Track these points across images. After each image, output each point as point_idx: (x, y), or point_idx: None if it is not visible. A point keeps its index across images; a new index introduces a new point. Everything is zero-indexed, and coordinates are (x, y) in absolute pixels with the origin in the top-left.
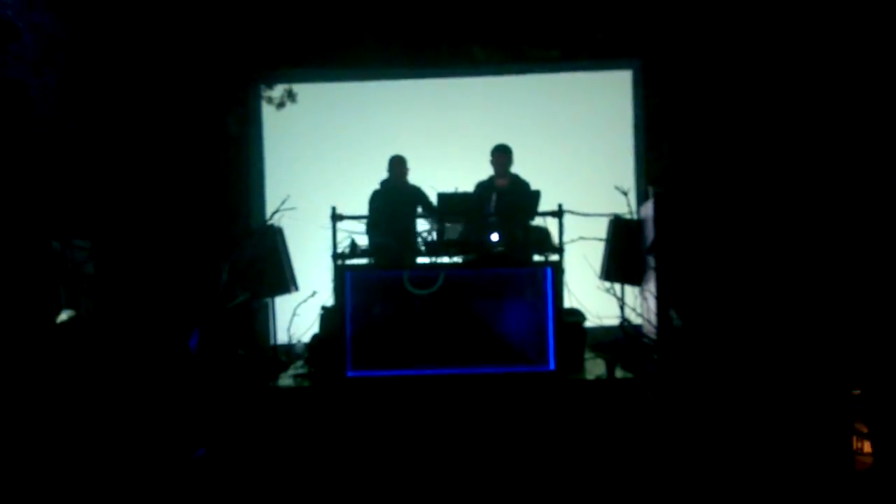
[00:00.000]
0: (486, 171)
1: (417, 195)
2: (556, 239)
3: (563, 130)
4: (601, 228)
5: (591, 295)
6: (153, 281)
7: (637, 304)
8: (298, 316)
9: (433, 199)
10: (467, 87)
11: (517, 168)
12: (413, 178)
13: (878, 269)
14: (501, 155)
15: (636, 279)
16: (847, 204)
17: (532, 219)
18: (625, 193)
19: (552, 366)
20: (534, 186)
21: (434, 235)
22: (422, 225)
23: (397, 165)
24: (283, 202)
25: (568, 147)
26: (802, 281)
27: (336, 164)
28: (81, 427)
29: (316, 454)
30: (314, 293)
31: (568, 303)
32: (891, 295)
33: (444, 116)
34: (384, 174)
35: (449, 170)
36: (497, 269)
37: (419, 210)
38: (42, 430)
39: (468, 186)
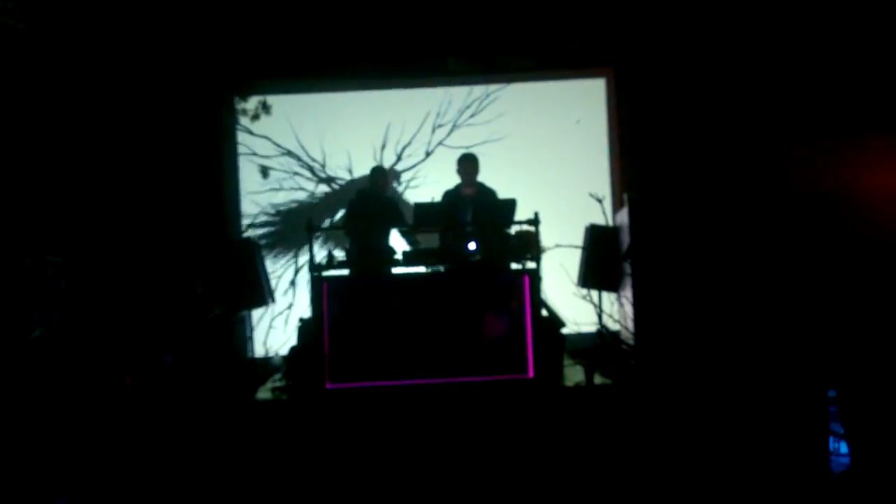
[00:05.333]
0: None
1: (391, 208)
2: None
3: (539, 139)
4: (578, 236)
5: (568, 302)
6: (128, 296)
7: (614, 311)
8: (275, 329)
9: (410, 210)
10: (442, 97)
11: (496, 176)
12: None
13: (852, 272)
14: (468, 164)
15: (613, 285)
16: (822, 208)
17: (508, 227)
18: (600, 201)
19: (531, 373)
20: (510, 195)
21: (407, 249)
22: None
23: (378, 176)
24: (258, 214)
25: (543, 155)
26: (778, 284)
27: (311, 175)
28: (53, 442)
29: (295, 468)
30: (290, 305)
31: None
32: (865, 296)
33: (418, 127)
34: (360, 185)
35: (424, 179)
36: (475, 277)
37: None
38: (14, 445)
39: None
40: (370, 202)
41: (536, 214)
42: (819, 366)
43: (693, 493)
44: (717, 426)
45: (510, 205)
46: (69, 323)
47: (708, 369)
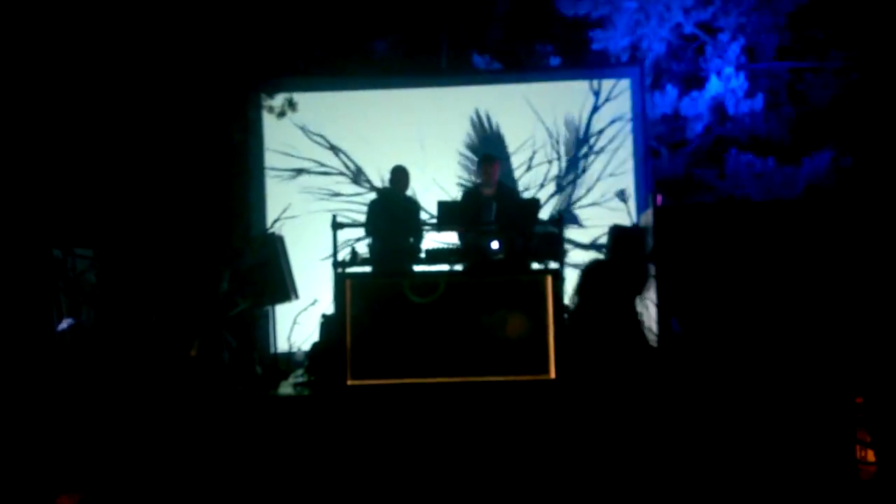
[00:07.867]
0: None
1: (411, 208)
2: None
3: (564, 138)
4: (601, 236)
5: None
6: (154, 289)
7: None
8: (299, 324)
9: (433, 210)
10: (467, 95)
11: (520, 175)
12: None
13: (878, 278)
14: (489, 164)
15: (637, 287)
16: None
17: (531, 227)
18: (625, 201)
19: (553, 373)
20: (535, 194)
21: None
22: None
23: (398, 176)
24: (283, 210)
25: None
26: (805, 288)
27: (336, 172)
28: (81, 433)
29: (316, 463)
30: (315, 301)
31: None
32: (892, 302)
33: (444, 124)
34: (383, 183)
35: (448, 178)
36: (497, 276)
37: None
38: (40, 435)
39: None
40: (391, 202)
41: (560, 214)
42: (847, 372)
43: (717, 497)
44: (741, 431)
45: (533, 204)
46: (97, 316)
47: (733, 373)
